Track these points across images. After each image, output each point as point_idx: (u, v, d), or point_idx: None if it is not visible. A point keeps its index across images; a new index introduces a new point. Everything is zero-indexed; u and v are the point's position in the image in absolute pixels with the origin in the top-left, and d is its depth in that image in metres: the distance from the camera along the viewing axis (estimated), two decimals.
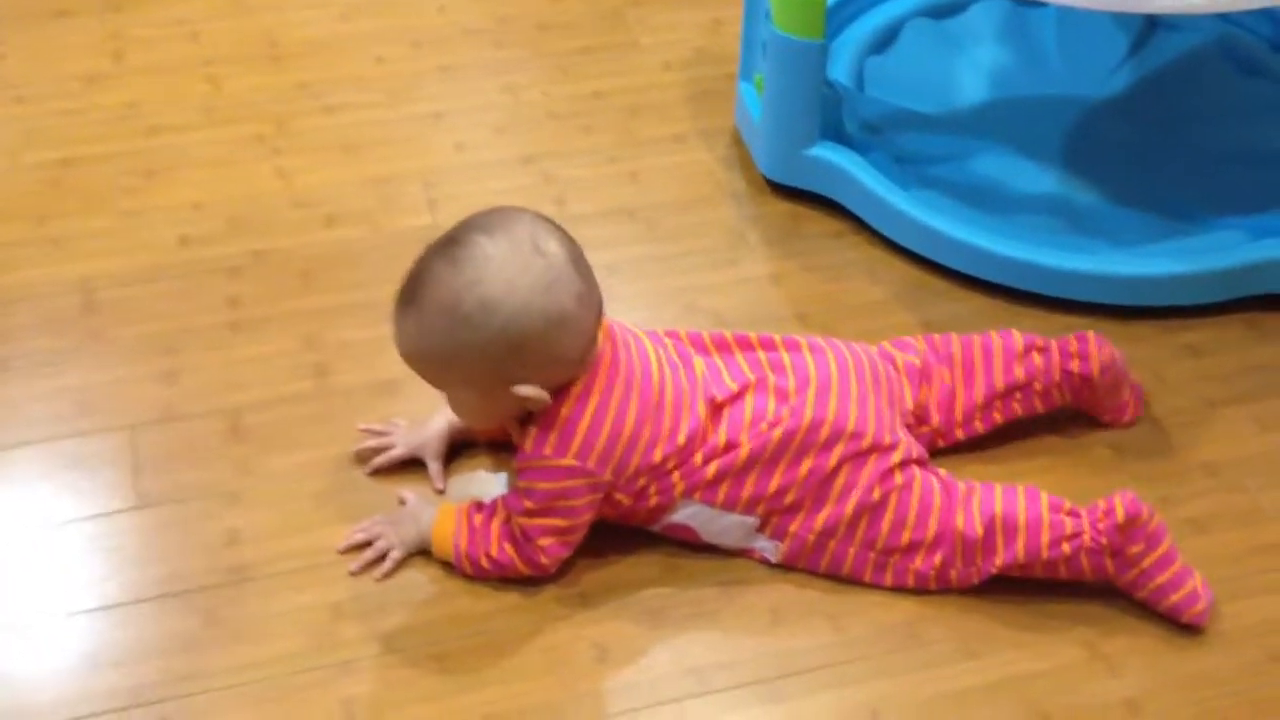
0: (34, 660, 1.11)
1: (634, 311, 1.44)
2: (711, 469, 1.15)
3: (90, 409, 1.30)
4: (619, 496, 1.14)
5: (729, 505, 1.16)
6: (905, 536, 1.15)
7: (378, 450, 1.25)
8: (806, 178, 1.54)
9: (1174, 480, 1.26)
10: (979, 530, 1.13)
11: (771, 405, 1.17)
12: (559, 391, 1.11)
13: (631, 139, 1.66)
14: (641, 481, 1.14)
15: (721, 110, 1.70)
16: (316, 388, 1.33)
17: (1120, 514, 1.11)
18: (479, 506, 1.18)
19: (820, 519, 1.15)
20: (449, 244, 1.10)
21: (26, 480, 1.25)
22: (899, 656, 1.13)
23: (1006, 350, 1.26)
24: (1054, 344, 1.26)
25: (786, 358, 1.21)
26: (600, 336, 1.13)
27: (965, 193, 1.52)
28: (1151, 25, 1.75)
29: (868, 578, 1.17)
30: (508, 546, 1.14)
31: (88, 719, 1.07)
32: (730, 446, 1.15)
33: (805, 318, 1.43)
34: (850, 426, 1.15)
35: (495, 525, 1.15)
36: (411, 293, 1.10)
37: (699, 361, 1.20)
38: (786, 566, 1.18)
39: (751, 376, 1.19)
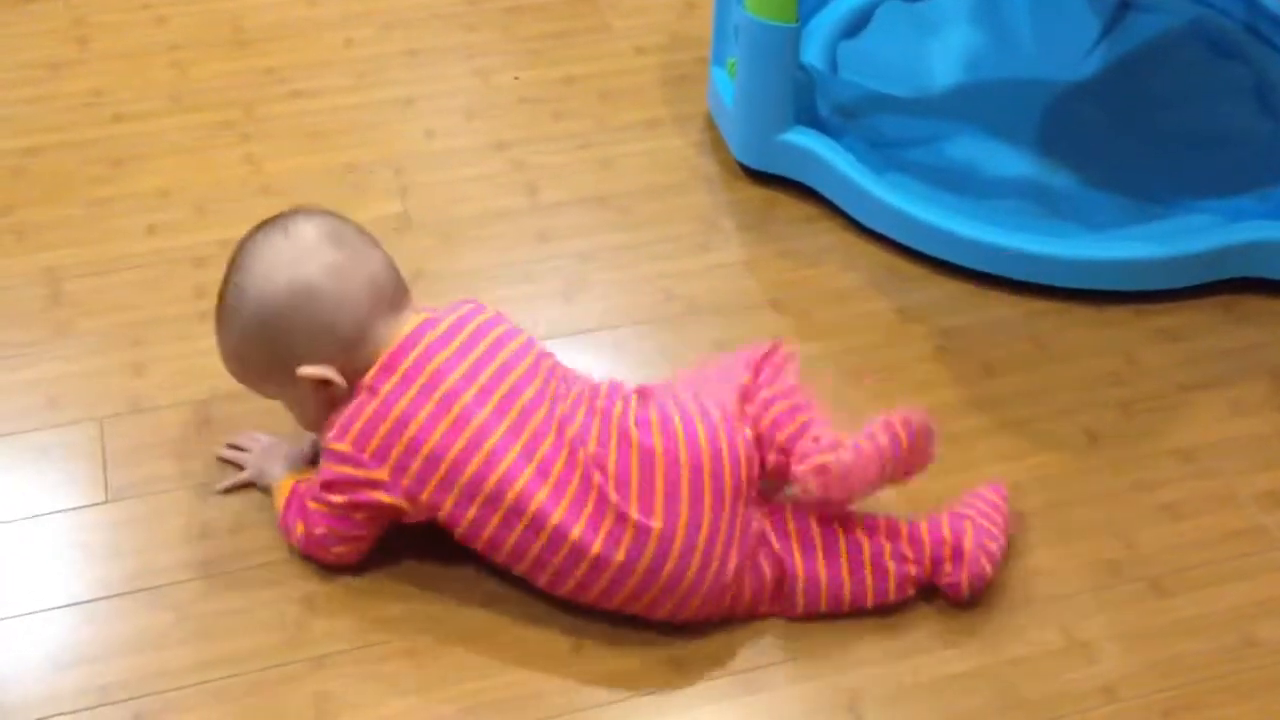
0: (0, 659, 1.09)
1: (609, 299, 1.43)
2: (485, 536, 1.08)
3: (59, 402, 1.29)
4: (441, 516, 1.08)
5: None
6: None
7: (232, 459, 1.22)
8: (780, 163, 1.54)
9: (1148, 465, 1.26)
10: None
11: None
12: (353, 378, 1.10)
13: (604, 125, 1.65)
14: (453, 504, 1.07)
15: (694, 95, 1.68)
16: None
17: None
18: (306, 482, 1.16)
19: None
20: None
21: None
22: (876, 645, 1.12)
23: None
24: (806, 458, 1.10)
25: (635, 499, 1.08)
26: (397, 321, 1.10)
27: (938, 177, 1.52)
28: (1124, 7, 1.75)
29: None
30: (299, 525, 1.13)
31: (55, 718, 1.06)
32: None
33: (779, 304, 1.43)
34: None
35: (300, 499, 1.14)
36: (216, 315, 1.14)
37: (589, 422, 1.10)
38: None
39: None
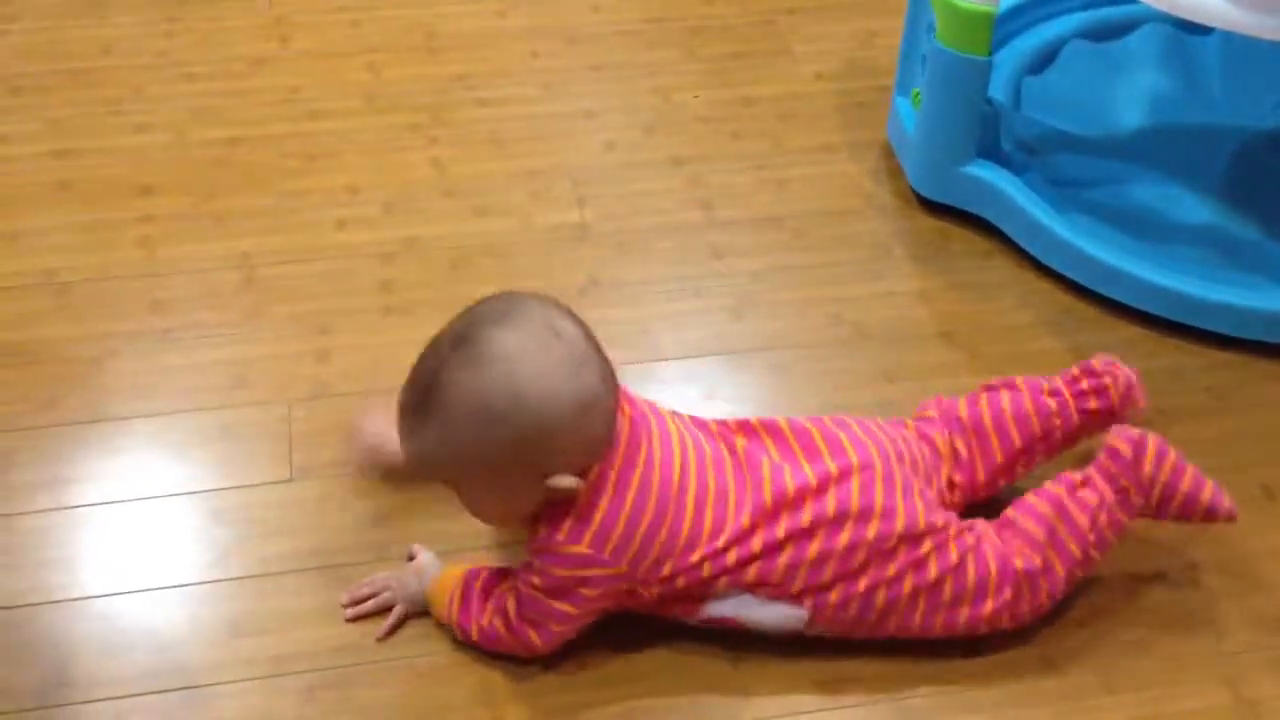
0: (182, 623, 1.14)
1: (777, 319, 1.44)
2: (752, 570, 1.08)
3: (247, 382, 1.34)
4: (643, 591, 1.08)
5: (772, 591, 1.09)
6: (968, 601, 1.11)
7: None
8: (959, 195, 1.53)
9: None
10: (1037, 561, 1.11)
11: (831, 504, 1.09)
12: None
13: (781, 147, 1.66)
14: (666, 571, 1.07)
15: (872, 122, 1.69)
16: None
17: (1127, 451, 1.12)
18: (483, 572, 1.12)
19: (863, 584, 1.09)
20: (461, 343, 1.02)
21: (182, 447, 1.28)
22: (1034, 686, 1.12)
23: (1016, 409, 1.20)
24: (1064, 387, 1.20)
25: (825, 451, 1.13)
26: (619, 416, 1.07)
27: (1120, 218, 1.50)
28: None
29: (916, 626, 1.11)
30: (498, 621, 1.09)
31: (235, 683, 1.10)
32: (773, 548, 1.08)
33: (950, 336, 1.42)
34: (902, 520, 1.10)
35: (494, 595, 1.10)
36: (428, 400, 1.02)
37: (755, 455, 1.12)
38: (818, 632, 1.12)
39: (812, 479, 1.10)
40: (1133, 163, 1.59)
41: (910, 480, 1.12)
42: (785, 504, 1.09)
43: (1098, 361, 1.22)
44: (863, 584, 1.09)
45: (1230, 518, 1.15)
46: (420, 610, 1.14)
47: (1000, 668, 1.13)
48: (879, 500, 1.10)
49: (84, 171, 1.58)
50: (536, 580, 1.07)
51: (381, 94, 1.72)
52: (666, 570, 1.06)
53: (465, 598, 1.11)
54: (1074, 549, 1.12)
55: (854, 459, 1.12)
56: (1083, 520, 1.12)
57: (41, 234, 1.50)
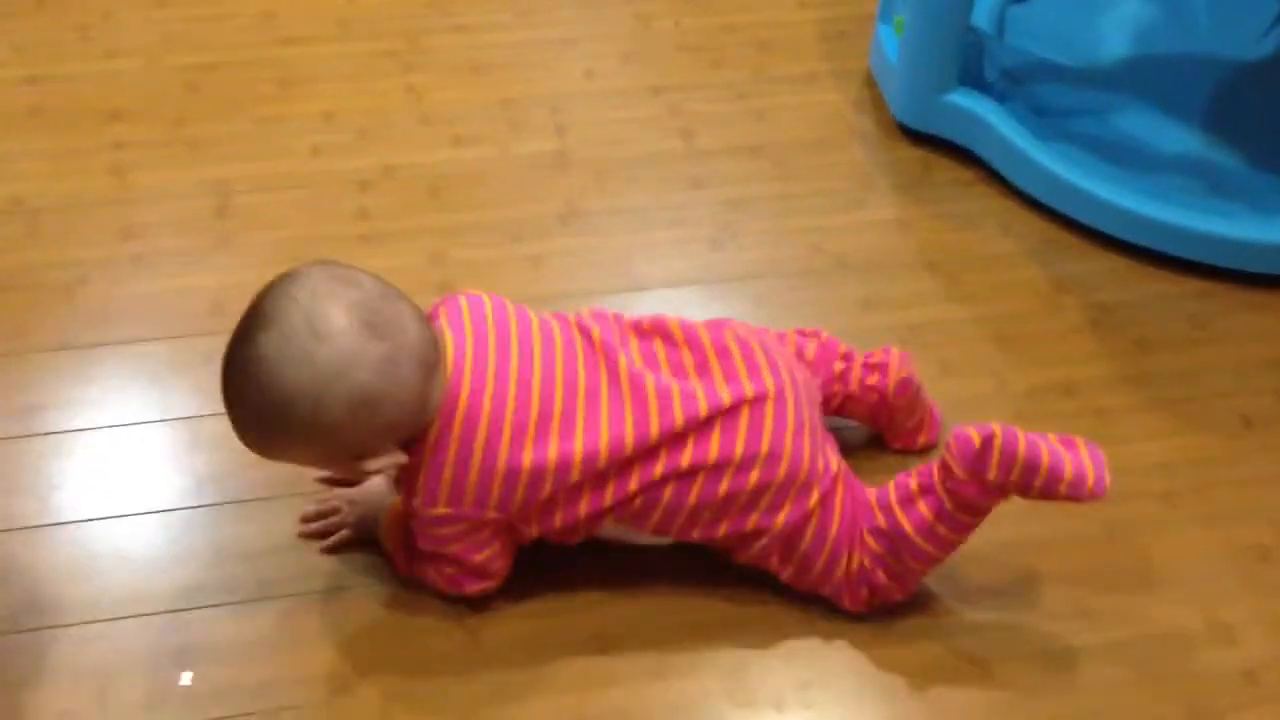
0: (159, 549, 1.14)
1: (758, 248, 1.43)
2: (631, 507, 1.05)
3: (223, 310, 1.32)
4: (523, 529, 1.06)
5: (641, 526, 1.07)
6: (825, 553, 1.08)
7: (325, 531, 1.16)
8: (941, 124, 1.52)
9: None
10: (882, 578, 1.07)
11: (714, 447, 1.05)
12: (415, 442, 1.01)
13: (762, 75, 1.64)
14: (543, 500, 1.04)
15: (854, 51, 1.67)
16: None
17: (958, 470, 1.02)
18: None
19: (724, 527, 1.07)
20: (235, 343, 1.00)
21: (157, 374, 1.27)
22: (1009, 611, 1.12)
23: (819, 355, 1.19)
24: (857, 357, 1.20)
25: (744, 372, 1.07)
26: (445, 374, 1.01)
27: (1103, 148, 1.49)
28: None
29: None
30: (430, 574, 1.09)
31: (209, 609, 1.10)
32: (652, 487, 1.04)
33: (932, 265, 1.42)
34: (789, 464, 1.06)
35: (419, 558, 1.10)
36: (227, 401, 1.01)
37: (649, 377, 1.05)
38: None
39: (703, 408, 1.04)
40: (1117, 92, 1.58)
41: (802, 423, 1.07)
42: (673, 437, 1.04)
43: (892, 349, 1.20)
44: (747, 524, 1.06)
45: (1095, 498, 1.02)
46: (367, 537, 1.13)
47: (977, 594, 1.13)
48: (769, 443, 1.05)
49: (54, 98, 1.56)
50: (421, 544, 1.06)
51: (357, 20, 1.69)
52: (544, 499, 1.03)
53: (403, 548, 1.10)
54: (916, 568, 1.07)
55: (769, 385, 1.06)
56: (923, 546, 1.06)
57: (10, 160, 1.48)
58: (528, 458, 1.01)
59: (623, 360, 1.06)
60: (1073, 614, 1.12)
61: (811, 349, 1.19)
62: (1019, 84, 1.56)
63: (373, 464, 1.00)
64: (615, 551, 1.13)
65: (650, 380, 1.05)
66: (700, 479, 1.05)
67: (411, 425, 1.00)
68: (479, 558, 1.06)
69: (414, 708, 1.05)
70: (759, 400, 1.06)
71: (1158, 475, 1.22)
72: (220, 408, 1.21)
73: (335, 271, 1.00)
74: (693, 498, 1.05)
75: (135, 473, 1.19)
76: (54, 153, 1.49)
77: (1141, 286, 1.39)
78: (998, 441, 1.00)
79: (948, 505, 1.04)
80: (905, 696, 1.06)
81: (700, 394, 1.05)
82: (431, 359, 1.00)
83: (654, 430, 1.04)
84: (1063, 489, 1.00)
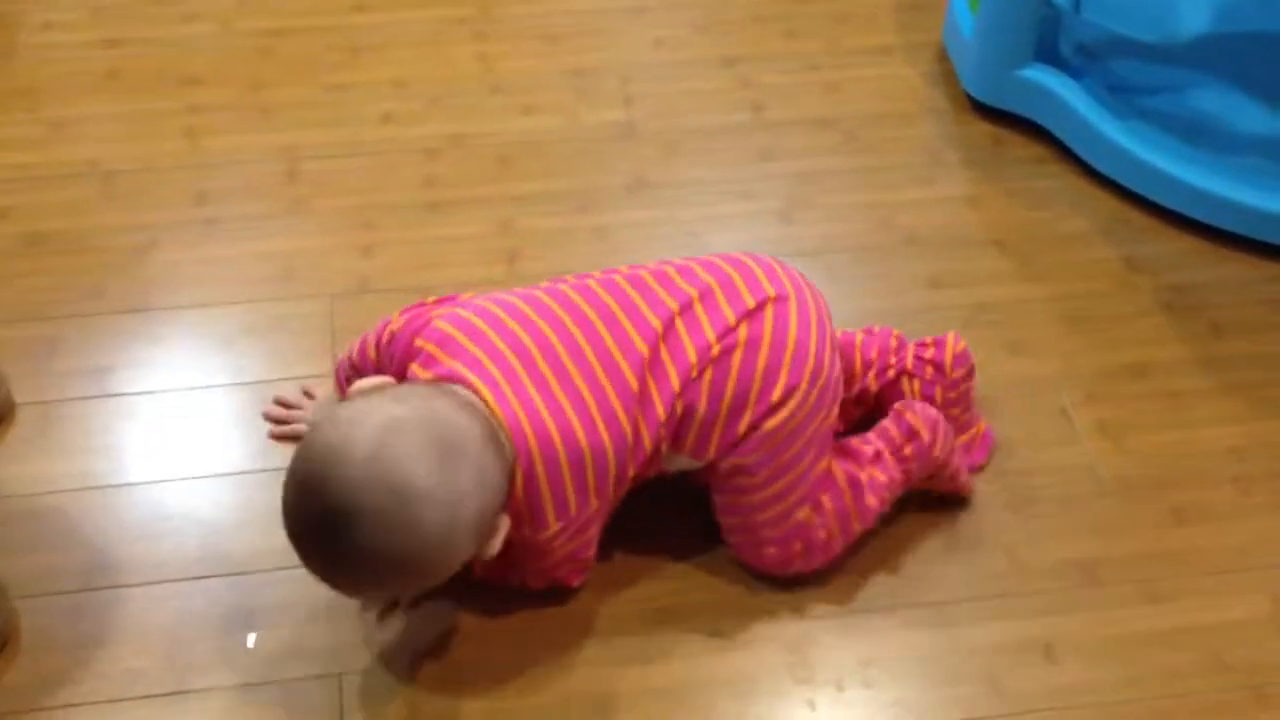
0: (227, 511, 1.15)
1: (827, 222, 1.42)
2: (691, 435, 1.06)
3: (293, 275, 1.34)
4: (619, 493, 1.06)
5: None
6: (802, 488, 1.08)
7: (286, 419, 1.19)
8: (1014, 99, 1.50)
9: None
10: (821, 535, 1.09)
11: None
12: (508, 485, 0.99)
13: (835, 48, 1.63)
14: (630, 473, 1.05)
15: (928, 24, 1.65)
16: (507, 273, 1.35)
17: (925, 436, 1.11)
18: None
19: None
20: (320, 543, 0.94)
21: (226, 338, 1.29)
22: (1076, 594, 1.11)
23: (866, 340, 1.20)
24: (910, 343, 1.19)
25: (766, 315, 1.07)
26: (499, 420, 0.98)
27: (1179, 126, 1.46)
28: None
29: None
30: (529, 576, 1.09)
31: (275, 571, 1.11)
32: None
33: (1001, 243, 1.40)
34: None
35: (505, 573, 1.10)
36: (341, 588, 0.98)
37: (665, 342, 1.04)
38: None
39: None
40: (1194, 69, 1.55)
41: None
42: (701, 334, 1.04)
43: (951, 333, 1.19)
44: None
45: (964, 493, 1.16)
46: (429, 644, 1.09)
47: (1041, 577, 1.12)
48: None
49: (131, 61, 1.57)
50: (534, 564, 1.07)
51: None
52: (631, 443, 1.02)
53: (505, 571, 1.09)
54: (856, 528, 1.11)
55: (788, 288, 1.08)
56: (872, 502, 1.10)
57: (87, 123, 1.50)
58: (602, 427, 1.01)
59: (619, 279, 1.06)
60: (1140, 599, 1.11)
61: (859, 336, 1.19)
62: (1095, 60, 1.53)
63: (495, 542, 0.98)
64: (676, 526, 1.13)
65: (662, 291, 1.06)
66: (739, 354, 1.04)
67: (507, 487, 0.98)
68: (588, 553, 1.07)
69: (483, 675, 1.06)
70: (780, 299, 1.07)
71: (1230, 461, 1.20)
72: (290, 373, 1.25)
73: (352, 414, 0.94)
74: (731, 381, 1.04)
75: (205, 435, 1.21)
76: (130, 116, 1.51)
77: (1217, 269, 1.37)
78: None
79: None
80: (967, 678, 1.06)
81: (720, 297, 1.06)
82: (490, 427, 0.97)
83: (685, 333, 1.04)
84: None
